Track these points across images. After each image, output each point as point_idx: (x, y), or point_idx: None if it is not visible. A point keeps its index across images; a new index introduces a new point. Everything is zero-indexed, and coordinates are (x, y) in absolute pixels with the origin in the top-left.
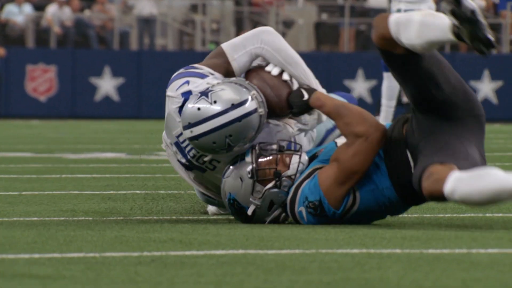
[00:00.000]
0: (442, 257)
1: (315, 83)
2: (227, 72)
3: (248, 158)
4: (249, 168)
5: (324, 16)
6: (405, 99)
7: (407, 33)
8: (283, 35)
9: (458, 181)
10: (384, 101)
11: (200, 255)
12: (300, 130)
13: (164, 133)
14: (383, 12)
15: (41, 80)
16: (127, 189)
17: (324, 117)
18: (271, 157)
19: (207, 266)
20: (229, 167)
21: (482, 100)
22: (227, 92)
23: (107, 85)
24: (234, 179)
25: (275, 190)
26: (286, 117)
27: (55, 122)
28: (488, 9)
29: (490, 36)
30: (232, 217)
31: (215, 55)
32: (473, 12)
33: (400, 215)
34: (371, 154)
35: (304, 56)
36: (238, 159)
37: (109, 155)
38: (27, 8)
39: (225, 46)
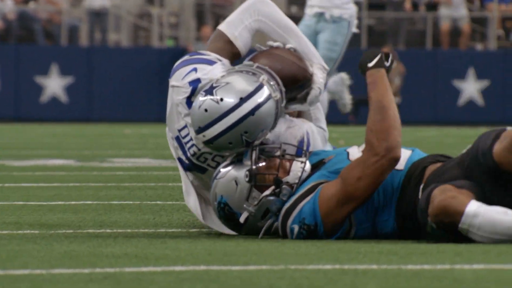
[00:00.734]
0: (423, 274)
1: (317, 56)
2: (232, 54)
3: (246, 160)
4: (247, 171)
5: (294, 9)
6: None
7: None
8: None
9: (482, 206)
10: None
11: (158, 272)
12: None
13: (167, 128)
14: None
15: None
16: (77, 199)
17: (312, 116)
18: (272, 162)
19: (166, 283)
20: (223, 168)
21: (466, 102)
22: (233, 85)
23: (54, 84)
24: (228, 182)
25: (273, 198)
26: (310, 88)
27: None
28: (473, 2)
29: None
30: (192, 231)
31: (215, 39)
32: None
33: None
34: (377, 181)
35: None
36: (235, 160)
37: (57, 162)
38: None
39: (222, 26)
